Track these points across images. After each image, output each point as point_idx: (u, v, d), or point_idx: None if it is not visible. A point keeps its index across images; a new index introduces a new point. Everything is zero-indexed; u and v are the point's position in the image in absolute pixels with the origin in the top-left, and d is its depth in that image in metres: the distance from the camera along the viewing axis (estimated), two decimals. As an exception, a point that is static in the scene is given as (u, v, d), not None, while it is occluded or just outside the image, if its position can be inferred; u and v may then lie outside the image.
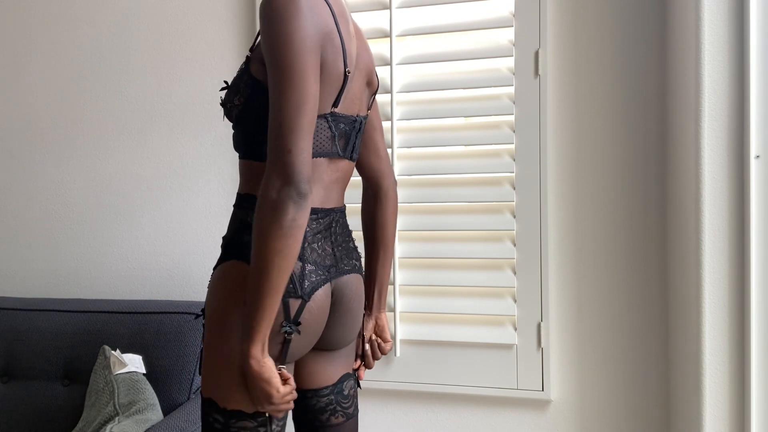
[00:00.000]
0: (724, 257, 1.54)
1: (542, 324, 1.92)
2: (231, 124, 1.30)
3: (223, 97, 1.28)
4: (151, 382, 1.84)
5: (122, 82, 2.24)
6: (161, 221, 2.23)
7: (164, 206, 2.22)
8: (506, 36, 1.93)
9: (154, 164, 2.22)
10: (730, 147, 1.53)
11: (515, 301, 1.94)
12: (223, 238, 1.29)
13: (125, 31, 2.24)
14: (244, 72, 1.25)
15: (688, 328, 1.65)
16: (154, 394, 1.81)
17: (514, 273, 1.94)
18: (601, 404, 1.93)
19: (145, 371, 1.86)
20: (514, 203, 1.93)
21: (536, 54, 1.89)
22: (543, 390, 1.93)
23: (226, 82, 1.34)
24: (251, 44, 1.36)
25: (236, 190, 1.35)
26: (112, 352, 1.85)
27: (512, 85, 1.92)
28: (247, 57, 1.26)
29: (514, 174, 1.93)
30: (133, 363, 1.85)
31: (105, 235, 2.28)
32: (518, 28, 1.90)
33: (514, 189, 1.93)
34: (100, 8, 2.26)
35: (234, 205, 1.30)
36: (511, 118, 1.93)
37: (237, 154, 1.32)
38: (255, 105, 1.22)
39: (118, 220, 2.27)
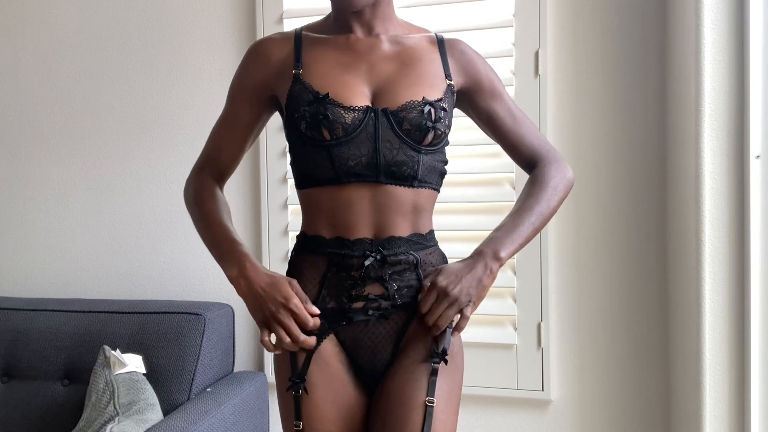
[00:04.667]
0: (724, 257, 1.55)
1: (542, 324, 1.92)
2: None
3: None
4: (151, 382, 1.84)
5: (122, 81, 2.24)
6: (161, 221, 2.23)
7: (164, 206, 2.22)
8: (506, 36, 1.93)
9: (154, 164, 2.22)
10: (730, 147, 1.53)
11: (515, 301, 1.94)
12: None
13: (125, 31, 2.24)
14: None
15: (688, 328, 1.65)
16: (154, 394, 1.81)
17: (514, 273, 1.94)
18: (601, 404, 1.93)
19: (145, 371, 1.86)
20: (514, 203, 1.93)
21: (536, 54, 1.89)
22: (543, 390, 1.93)
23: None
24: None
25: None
26: (112, 352, 1.84)
27: (512, 85, 1.92)
28: None
29: (514, 174, 1.93)
30: (133, 363, 1.85)
31: (105, 235, 2.28)
32: (518, 28, 1.90)
33: (514, 189, 1.93)
34: (100, 8, 2.26)
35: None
36: (511, 118, 1.93)
37: None
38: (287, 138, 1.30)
39: (118, 220, 2.26)
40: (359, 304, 1.21)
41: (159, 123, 2.22)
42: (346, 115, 1.18)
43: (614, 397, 1.92)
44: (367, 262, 1.19)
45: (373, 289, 1.21)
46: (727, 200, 1.54)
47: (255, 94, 1.29)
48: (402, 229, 1.22)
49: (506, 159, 1.93)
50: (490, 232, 1.92)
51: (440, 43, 1.31)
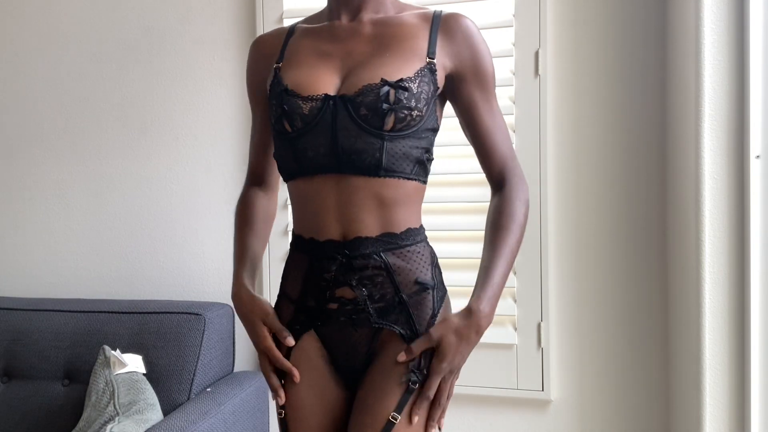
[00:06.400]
0: (724, 257, 1.54)
1: (542, 324, 1.92)
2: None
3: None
4: (151, 382, 1.84)
5: (122, 81, 2.24)
6: (161, 221, 2.23)
7: (164, 206, 2.22)
8: (506, 36, 1.93)
9: (154, 164, 2.22)
10: (730, 147, 1.53)
11: (515, 301, 1.94)
12: None
13: (125, 31, 2.24)
14: None
15: (688, 328, 1.65)
16: (154, 394, 1.81)
17: (514, 273, 1.94)
18: (601, 404, 1.93)
19: (145, 371, 1.86)
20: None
21: (536, 54, 1.89)
22: (543, 390, 1.93)
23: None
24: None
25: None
26: (112, 352, 1.84)
27: (512, 85, 1.92)
28: None
29: (514, 174, 1.93)
30: (133, 363, 1.85)
31: (105, 235, 2.28)
32: (518, 28, 1.90)
33: (514, 189, 1.93)
34: (100, 8, 2.26)
35: None
36: (511, 118, 1.93)
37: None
38: None
39: (118, 220, 2.26)
40: (334, 306, 1.18)
41: (159, 123, 2.22)
42: (304, 106, 1.14)
43: (614, 397, 1.92)
44: (333, 266, 1.16)
45: (344, 293, 1.17)
46: (727, 200, 1.54)
47: (262, 92, 1.29)
48: (369, 227, 1.15)
49: (506, 159, 1.94)
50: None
51: (435, 19, 1.21)
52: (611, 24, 1.88)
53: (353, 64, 1.17)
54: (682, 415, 1.73)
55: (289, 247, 1.32)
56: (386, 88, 1.11)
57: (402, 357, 1.14)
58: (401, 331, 1.17)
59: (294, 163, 1.18)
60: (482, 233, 1.95)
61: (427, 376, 1.14)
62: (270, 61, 1.26)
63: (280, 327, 1.22)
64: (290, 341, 1.21)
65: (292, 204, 1.26)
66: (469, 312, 1.15)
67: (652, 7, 1.85)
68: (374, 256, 1.15)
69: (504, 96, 1.93)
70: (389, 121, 1.12)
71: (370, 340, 1.19)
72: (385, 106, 1.11)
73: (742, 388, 1.54)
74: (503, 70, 1.94)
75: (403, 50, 1.17)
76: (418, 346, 1.14)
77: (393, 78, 1.12)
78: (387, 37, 1.19)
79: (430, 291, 1.20)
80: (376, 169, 1.13)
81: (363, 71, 1.15)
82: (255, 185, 1.38)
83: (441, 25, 1.20)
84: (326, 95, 1.14)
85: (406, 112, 1.12)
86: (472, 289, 1.19)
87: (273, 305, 1.27)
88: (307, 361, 1.22)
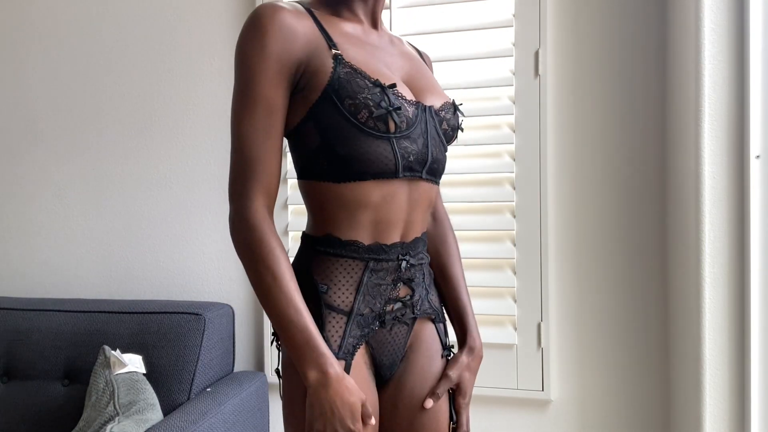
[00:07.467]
0: (724, 257, 1.54)
1: (542, 324, 1.92)
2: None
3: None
4: (151, 382, 1.84)
5: (122, 82, 2.25)
6: (161, 221, 2.23)
7: (164, 206, 2.22)
8: (506, 36, 1.93)
9: (154, 164, 2.22)
10: (730, 147, 1.53)
11: (515, 301, 1.94)
12: None
13: (125, 31, 2.24)
14: None
15: (688, 328, 1.65)
16: (154, 394, 1.81)
17: (514, 273, 1.94)
18: (601, 404, 1.93)
19: (145, 371, 1.86)
20: (514, 203, 1.93)
21: (536, 54, 1.89)
22: (543, 390, 1.93)
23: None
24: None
25: None
26: (112, 352, 1.84)
27: (512, 85, 1.92)
28: None
29: (514, 174, 1.93)
30: (133, 363, 1.85)
31: (105, 235, 2.28)
32: (518, 28, 1.90)
33: (514, 189, 1.93)
34: (99, 8, 2.26)
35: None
36: (511, 118, 1.93)
37: None
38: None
39: (118, 220, 2.27)
40: (392, 307, 1.20)
41: (159, 123, 2.22)
42: (410, 109, 1.14)
43: (614, 397, 1.92)
44: (403, 266, 1.19)
45: (402, 292, 1.21)
46: (727, 200, 1.54)
47: (287, 72, 1.10)
48: (420, 228, 1.23)
49: (506, 159, 1.94)
50: (489, 231, 1.94)
51: (419, 53, 1.37)
52: (611, 24, 1.88)
53: (405, 75, 1.22)
54: (682, 415, 1.73)
55: (316, 249, 1.17)
56: (456, 110, 1.27)
57: (429, 403, 1.24)
58: (432, 315, 1.28)
59: (392, 164, 1.12)
60: (478, 233, 1.96)
61: (458, 415, 1.28)
62: (306, 40, 1.11)
63: (370, 411, 1.10)
64: (373, 422, 1.11)
65: (347, 204, 1.14)
66: (471, 349, 1.32)
67: (652, 7, 1.85)
68: (423, 253, 1.26)
69: (504, 96, 1.94)
70: (455, 138, 1.28)
71: (408, 332, 1.25)
72: (461, 126, 1.28)
73: (742, 388, 1.54)
74: (503, 70, 1.94)
75: (431, 75, 1.30)
76: (442, 388, 1.25)
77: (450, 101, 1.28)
78: (410, 57, 1.28)
79: (433, 278, 1.33)
80: (438, 177, 1.25)
81: (431, 87, 1.24)
82: (269, 212, 1.12)
83: (426, 62, 1.38)
84: (418, 102, 1.18)
85: (460, 132, 1.30)
86: (454, 319, 1.36)
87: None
88: (361, 377, 1.16)
